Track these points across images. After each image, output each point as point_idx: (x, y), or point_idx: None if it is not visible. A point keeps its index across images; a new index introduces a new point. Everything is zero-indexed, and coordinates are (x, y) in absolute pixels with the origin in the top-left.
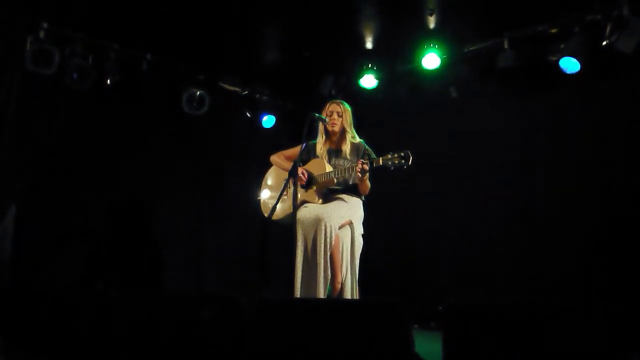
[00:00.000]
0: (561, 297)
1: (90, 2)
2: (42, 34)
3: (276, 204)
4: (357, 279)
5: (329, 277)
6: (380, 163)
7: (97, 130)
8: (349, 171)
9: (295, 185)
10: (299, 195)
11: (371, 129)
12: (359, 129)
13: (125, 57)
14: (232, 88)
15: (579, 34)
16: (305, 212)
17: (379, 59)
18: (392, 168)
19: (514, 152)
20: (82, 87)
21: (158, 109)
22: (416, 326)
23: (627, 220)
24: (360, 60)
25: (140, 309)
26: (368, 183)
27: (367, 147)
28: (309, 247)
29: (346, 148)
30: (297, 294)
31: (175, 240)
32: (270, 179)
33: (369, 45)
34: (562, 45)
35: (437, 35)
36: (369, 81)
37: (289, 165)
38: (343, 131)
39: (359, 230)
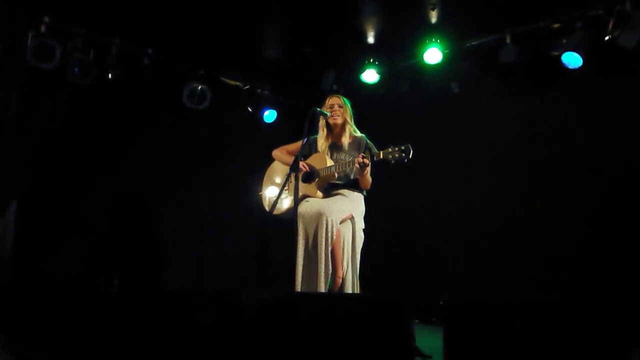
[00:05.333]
0: (562, 293)
1: None
2: (43, 29)
3: (277, 198)
4: (358, 273)
5: (330, 271)
6: (381, 157)
7: (98, 125)
8: (350, 165)
9: (296, 179)
10: (300, 190)
11: (372, 124)
12: (360, 123)
13: (126, 51)
14: (233, 83)
15: (582, 29)
16: (307, 207)
17: (381, 53)
18: (392, 162)
19: (515, 147)
20: (83, 81)
21: (159, 104)
22: (417, 321)
23: (629, 217)
24: (361, 55)
25: (141, 305)
26: (369, 178)
27: (368, 141)
28: (310, 241)
29: (346, 141)
30: (298, 288)
31: (176, 236)
32: (271, 173)
33: (370, 40)
34: (564, 41)
35: (439, 30)
36: (370, 76)
37: (290, 159)
38: (344, 124)
39: (360, 225)
